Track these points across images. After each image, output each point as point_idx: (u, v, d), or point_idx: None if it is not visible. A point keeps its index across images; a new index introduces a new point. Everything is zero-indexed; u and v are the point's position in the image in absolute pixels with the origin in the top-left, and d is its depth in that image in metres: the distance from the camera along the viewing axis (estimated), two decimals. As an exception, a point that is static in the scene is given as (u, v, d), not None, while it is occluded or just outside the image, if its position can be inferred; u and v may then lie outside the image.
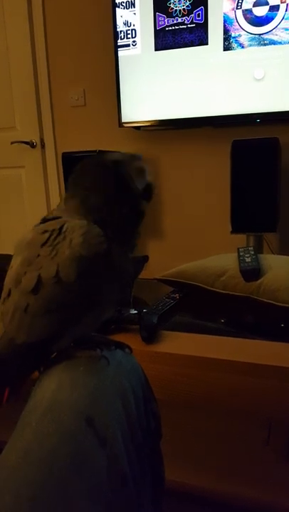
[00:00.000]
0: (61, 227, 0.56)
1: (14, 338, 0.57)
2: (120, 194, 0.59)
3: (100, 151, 2.32)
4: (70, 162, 2.36)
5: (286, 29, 2.14)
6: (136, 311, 1.10)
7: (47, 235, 0.56)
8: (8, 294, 0.58)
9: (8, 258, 0.61)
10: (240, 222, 2.13)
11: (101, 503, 0.46)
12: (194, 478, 1.09)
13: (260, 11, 2.17)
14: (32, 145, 2.85)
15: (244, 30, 2.22)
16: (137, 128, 2.55)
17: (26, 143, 2.85)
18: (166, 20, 2.33)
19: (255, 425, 1.12)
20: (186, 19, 2.29)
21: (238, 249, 1.39)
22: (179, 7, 2.29)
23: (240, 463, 1.11)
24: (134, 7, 2.37)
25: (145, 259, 1.57)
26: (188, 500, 1.04)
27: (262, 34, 2.19)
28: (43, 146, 2.87)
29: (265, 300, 1.18)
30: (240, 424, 1.12)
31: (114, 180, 0.58)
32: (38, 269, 0.54)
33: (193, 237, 2.59)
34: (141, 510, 0.54)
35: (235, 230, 2.14)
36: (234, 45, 2.25)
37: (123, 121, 2.51)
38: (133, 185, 0.59)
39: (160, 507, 0.65)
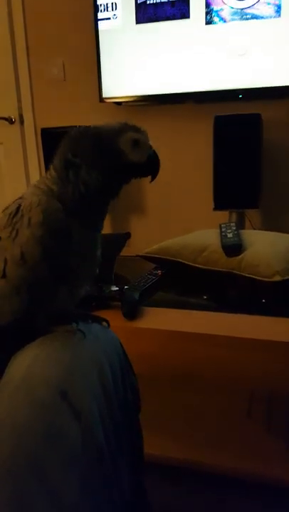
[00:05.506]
0: (18, 207, 0.55)
1: None
2: (109, 169, 0.57)
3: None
4: (50, 138, 2.32)
5: (268, 3, 2.10)
6: (117, 288, 1.10)
7: (7, 217, 0.55)
8: None
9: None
10: (222, 198, 2.12)
11: (76, 476, 0.46)
12: (176, 451, 1.10)
13: (243, -16, 2.12)
14: (10, 121, 2.78)
15: (226, 4, 2.17)
16: (118, 103, 2.50)
17: (4, 119, 2.78)
18: (147, -7, 2.27)
19: (236, 398, 1.13)
20: (167, -8, 2.23)
21: (220, 225, 1.39)
22: (161, -21, 2.23)
23: (221, 435, 1.12)
24: (114, -21, 2.30)
25: (127, 235, 1.56)
26: (171, 472, 1.06)
27: (244, 8, 2.14)
28: (22, 122, 2.80)
29: (247, 275, 1.18)
30: (222, 397, 1.14)
31: (103, 154, 0.57)
32: (3, 252, 0.54)
33: (176, 214, 2.57)
34: (118, 482, 0.54)
35: (218, 206, 2.13)
36: (216, 19, 2.20)
37: (104, 96, 2.46)
38: (125, 159, 0.58)
39: (141, 480, 0.65)
